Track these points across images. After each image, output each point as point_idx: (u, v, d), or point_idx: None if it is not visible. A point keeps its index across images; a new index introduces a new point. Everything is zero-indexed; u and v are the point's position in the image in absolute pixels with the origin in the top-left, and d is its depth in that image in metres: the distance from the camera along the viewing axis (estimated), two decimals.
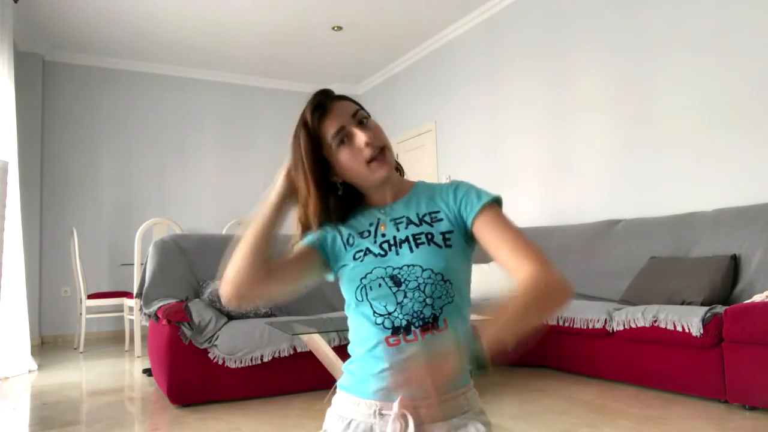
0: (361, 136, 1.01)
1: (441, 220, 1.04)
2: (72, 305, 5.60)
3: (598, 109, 4.19)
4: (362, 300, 1.01)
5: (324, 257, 1.07)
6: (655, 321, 2.79)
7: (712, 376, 2.61)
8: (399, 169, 1.12)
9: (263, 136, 6.80)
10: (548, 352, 3.55)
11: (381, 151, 1.02)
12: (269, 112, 6.87)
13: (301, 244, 1.08)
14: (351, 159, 1.02)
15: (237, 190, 6.58)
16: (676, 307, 2.83)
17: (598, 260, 3.77)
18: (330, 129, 1.02)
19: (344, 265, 1.05)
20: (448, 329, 1.00)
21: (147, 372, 3.75)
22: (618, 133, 4.03)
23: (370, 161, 1.01)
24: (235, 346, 2.94)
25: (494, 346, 0.88)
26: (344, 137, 1.02)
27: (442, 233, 1.03)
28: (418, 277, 0.99)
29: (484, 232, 1.03)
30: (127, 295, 5.04)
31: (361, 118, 1.03)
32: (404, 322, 0.98)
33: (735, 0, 3.34)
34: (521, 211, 4.54)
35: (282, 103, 6.96)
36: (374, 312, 1.00)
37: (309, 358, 2.90)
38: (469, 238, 1.06)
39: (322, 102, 1.03)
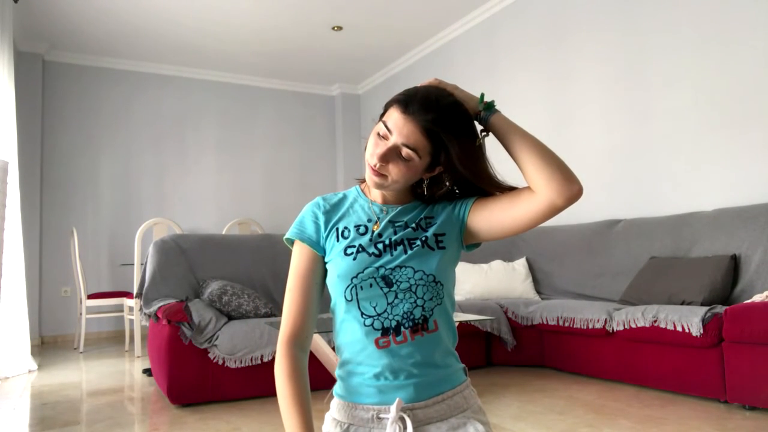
0: (382, 148, 0.98)
1: (435, 224, 1.05)
2: (72, 305, 5.60)
3: (597, 109, 4.19)
4: (351, 300, 0.99)
5: (321, 254, 1.06)
6: (655, 321, 2.80)
7: (712, 376, 2.61)
8: (424, 191, 1.08)
9: (263, 136, 6.80)
10: (548, 352, 3.55)
11: (383, 170, 0.99)
12: (269, 112, 6.87)
13: (299, 241, 1.07)
14: (369, 148, 1.01)
15: (237, 190, 6.59)
16: (676, 307, 2.83)
17: (598, 260, 3.77)
18: (386, 119, 0.99)
19: (334, 260, 1.03)
20: (438, 331, 1.00)
21: (147, 372, 3.75)
22: (618, 133, 4.03)
23: (372, 167, 1.00)
24: (235, 346, 2.94)
25: (500, 118, 1.03)
26: (382, 133, 0.99)
27: (435, 234, 1.03)
28: (410, 278, 0.99)
29: (485, 202, 1.05)
30: (127, 295, 5.05)
31: (405, 154, 0.98)
32: (394, 323, 0.98)
33: None
34: None
35: (282, 103, 6.96)
36: (362, 313, 0.99)
37: (309, 358, 2.90)
38: (464, 237, 1.06)
39: (408, 105, 0.98)
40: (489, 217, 1.03)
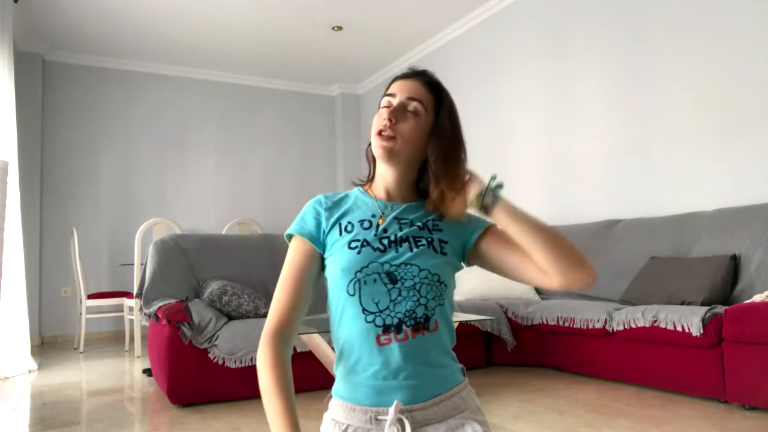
0: (390, 109, 1.03)
1: (441, 230, 1.05)
2: (72, 305, 5.60)
3: (598, 109, 4.19)
4: (354, 294, 0.98)
5: (320, 250, 1.05)
6: (655, 321, 2.80)
7: (712, 376, 2.61)
8: (425, 188, 1.08)
9: (263, 136, 6.80)
10: (548, 352, 3.55)
11: (393, 129, 1.01)
12: (269, 112, 6.87)
13: (298, 235, 1.06)
14: (373, 122, 1.05)
15: (237, 190, 6.59)
16: (676, 307, 2.83)
17: (598, 260, 3.77)
18: (389, 89, 1.07)
19: (337, 253, 1.02)
20: (438, 330, 0.99)
21: (147, 372, 3.75)
22: (618, 133, 4.03)
23: (379, 132, 1.02)
24: (235, 346, 2.94)
25: (508, 203, 1.01)
26: (386, 102, 1.05)
27: (440, 240, 1.04)
28: (414, 276, 0.98)
29: (499, 240, 1.05)
30: (127, 295, 5.05)
31: (412, 108, 1.03)
32: (396, 321, 0.97)
33: (735, 0, 3.34)
34: None
35: (282, 103, 6.96)
36: (364, 309, 0.98)
37: (309, 357, 2.90)
38: (464, 254, 1.07)
39: (407, 74, 1.08)
40: (499, 257, 1.04)
